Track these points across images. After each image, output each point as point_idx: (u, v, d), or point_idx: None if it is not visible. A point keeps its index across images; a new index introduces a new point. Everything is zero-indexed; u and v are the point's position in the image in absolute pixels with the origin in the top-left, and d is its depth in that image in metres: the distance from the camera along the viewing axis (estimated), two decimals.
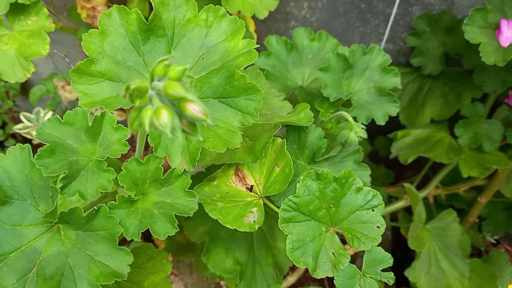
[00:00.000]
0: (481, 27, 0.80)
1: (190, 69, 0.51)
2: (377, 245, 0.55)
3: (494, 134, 0.96)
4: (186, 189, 0.48)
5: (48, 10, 0.82)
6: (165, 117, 0.28)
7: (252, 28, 1.06)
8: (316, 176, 0.54)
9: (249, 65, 0.51)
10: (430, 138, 0.98)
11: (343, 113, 0.67)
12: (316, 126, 0.76)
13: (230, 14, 0.91)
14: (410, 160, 0.93)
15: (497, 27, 0.81)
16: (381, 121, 0.72)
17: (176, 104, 0.29)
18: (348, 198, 0.55)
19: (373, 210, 0.55)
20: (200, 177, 0.68)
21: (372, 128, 1.05)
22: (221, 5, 0.82)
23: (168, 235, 0.47)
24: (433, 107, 1.01)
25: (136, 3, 1.04)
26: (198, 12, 0.52)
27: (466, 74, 0.99)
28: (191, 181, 0.48)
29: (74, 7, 1.04)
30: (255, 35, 1.10)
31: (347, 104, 0.78)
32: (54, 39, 1.05)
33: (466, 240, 1.00)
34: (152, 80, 0.30)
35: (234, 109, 0.48)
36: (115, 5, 0.49)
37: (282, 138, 0.65)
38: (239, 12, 0.82)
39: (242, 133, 0.67)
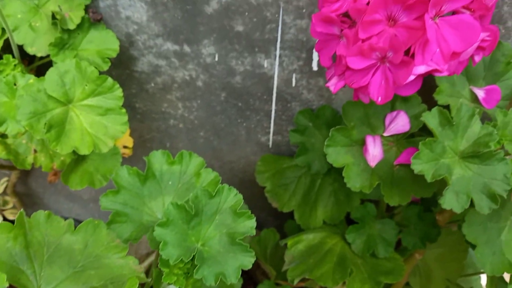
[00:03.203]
0: (346, 146, 0.73)
1: None
2: None
3: (389, 235, 0.88)
4: None
5: None
6: None
7: (126, 133, 0.97)
8: None
9: None
10: (322, 245, 0.89)
11: None
12: None
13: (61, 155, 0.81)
14: (297, 281, 0.84)
15: (363, 144, 0.73)
16: (232, 279, 0.63)
17: None
18: None
19: None
20: None
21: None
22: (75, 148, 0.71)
23: None
24: (325, 207, 0.93)
25: None
26: None
27: None
28: None
29: None
30: (131, 139, 1.00)
31: None
32: None
33: None
34: None
35: None
36: None
37: None
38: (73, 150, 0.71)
39: None
